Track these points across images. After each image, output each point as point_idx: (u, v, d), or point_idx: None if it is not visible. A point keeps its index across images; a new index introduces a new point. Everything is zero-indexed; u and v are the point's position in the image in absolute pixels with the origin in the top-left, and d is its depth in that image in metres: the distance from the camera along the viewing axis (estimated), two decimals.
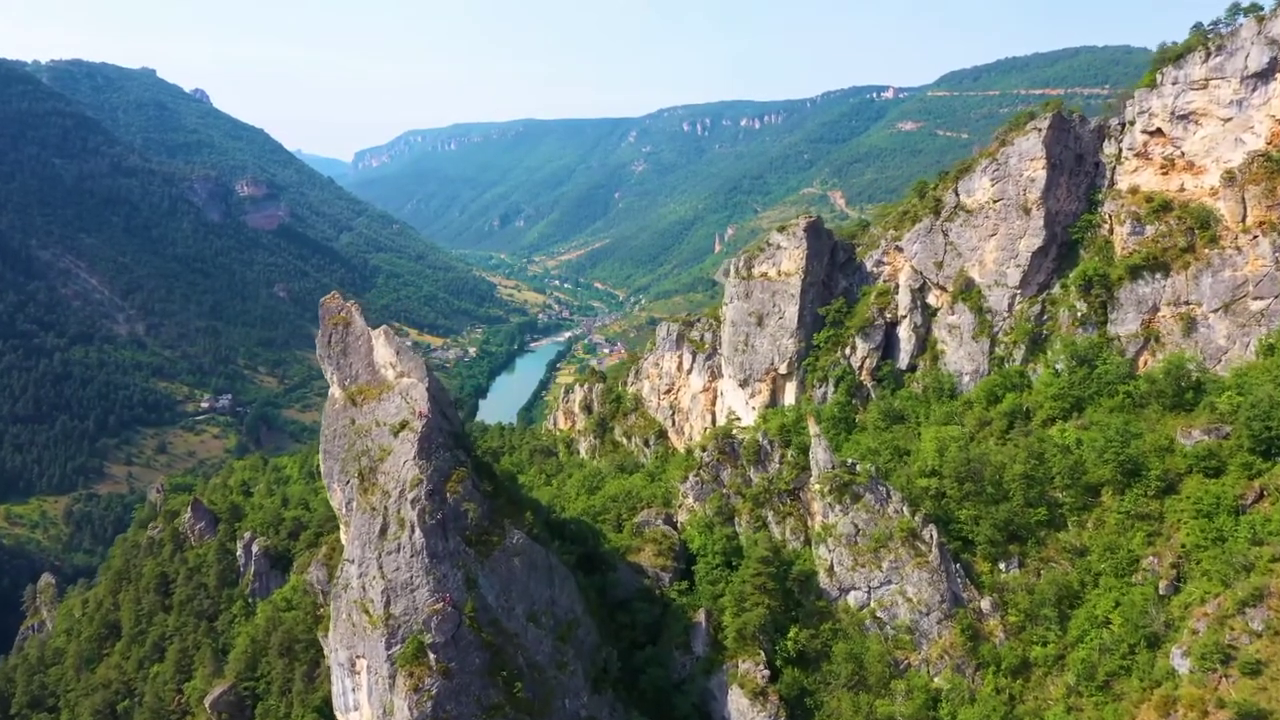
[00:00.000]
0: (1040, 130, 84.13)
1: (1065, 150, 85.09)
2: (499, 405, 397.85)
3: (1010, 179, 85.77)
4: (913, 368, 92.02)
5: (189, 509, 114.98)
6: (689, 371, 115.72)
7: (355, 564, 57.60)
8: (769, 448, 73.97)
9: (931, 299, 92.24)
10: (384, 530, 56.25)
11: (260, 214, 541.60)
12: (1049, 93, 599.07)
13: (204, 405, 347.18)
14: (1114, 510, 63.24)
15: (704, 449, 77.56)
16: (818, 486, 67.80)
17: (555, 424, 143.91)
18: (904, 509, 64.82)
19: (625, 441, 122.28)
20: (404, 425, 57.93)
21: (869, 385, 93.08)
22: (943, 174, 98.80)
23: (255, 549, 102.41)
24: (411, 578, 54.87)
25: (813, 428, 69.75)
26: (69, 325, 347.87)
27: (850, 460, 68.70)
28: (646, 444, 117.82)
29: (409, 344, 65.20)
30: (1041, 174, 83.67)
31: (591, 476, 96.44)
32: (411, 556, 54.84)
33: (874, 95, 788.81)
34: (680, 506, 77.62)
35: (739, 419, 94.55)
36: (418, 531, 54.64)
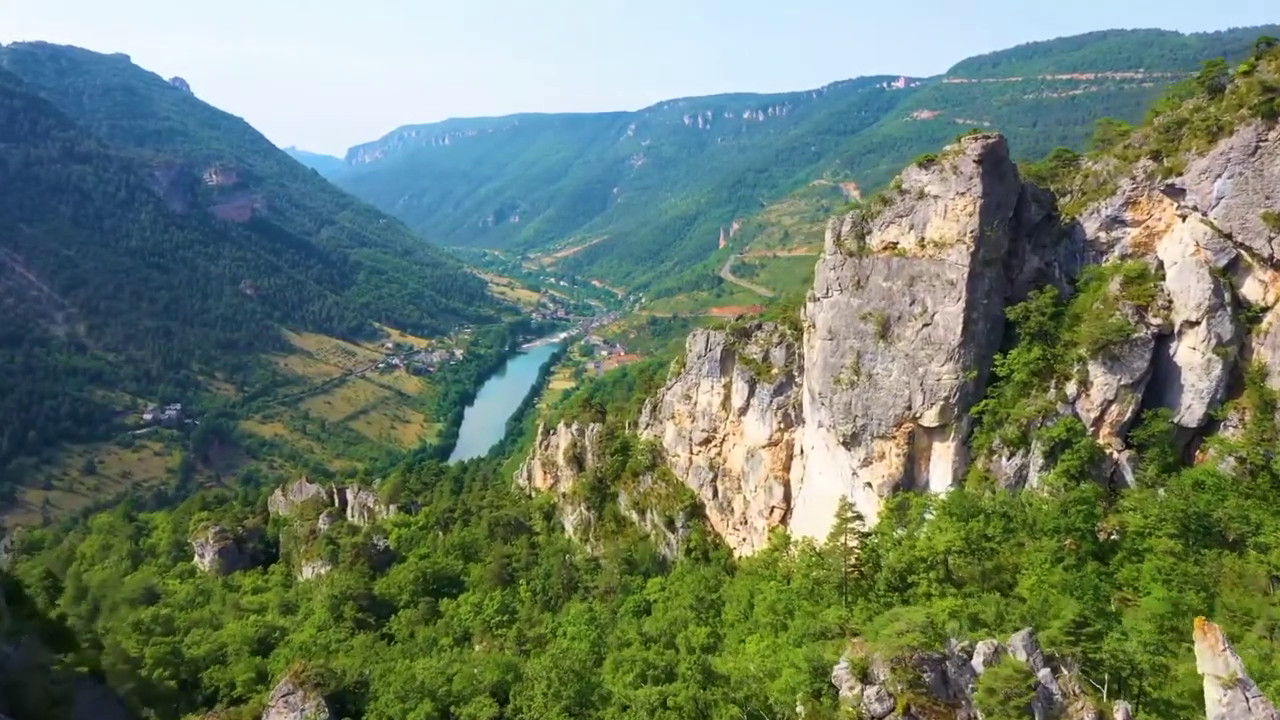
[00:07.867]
0: None
1: None
2: (487, 412, 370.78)
3: None
4: (1210, 424, 46.78)
5: None
6: (743, 411, 69.69)
7: None
8: (1052, 682, 27.39)
9: (1251, 287, 46.69)
10: None
11: (230, 205, 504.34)
12: (1078, 77, 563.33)
13: (146, 416, 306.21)
14: None
15: (862, 674, 29.92)
16: None
17: (530, 479, 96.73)
18: None
19: (636, 518, 76.44)
20: None
21: (1118, 457, 47.85)
22: (1261, 43, 52.19)
23: None
24: None
25: (1210, 645, 23.86)
26: None
27: None
28: (671, 526, 72.30)
29: None
30: None
31: (583, 652, 46.71)
32: None
33: (884, 85, 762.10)
34: None
35: (858, 517, 49.22)
36: None
